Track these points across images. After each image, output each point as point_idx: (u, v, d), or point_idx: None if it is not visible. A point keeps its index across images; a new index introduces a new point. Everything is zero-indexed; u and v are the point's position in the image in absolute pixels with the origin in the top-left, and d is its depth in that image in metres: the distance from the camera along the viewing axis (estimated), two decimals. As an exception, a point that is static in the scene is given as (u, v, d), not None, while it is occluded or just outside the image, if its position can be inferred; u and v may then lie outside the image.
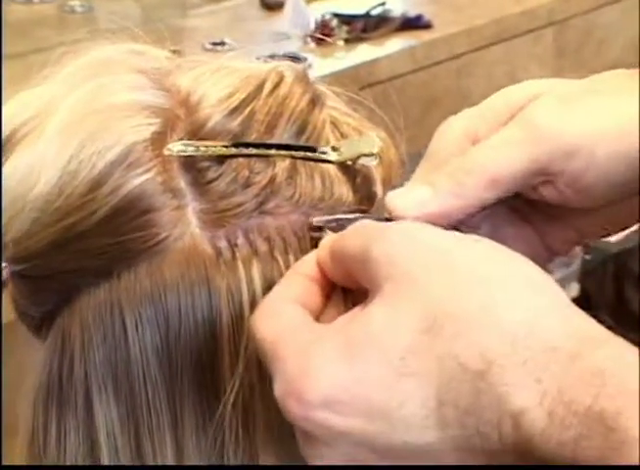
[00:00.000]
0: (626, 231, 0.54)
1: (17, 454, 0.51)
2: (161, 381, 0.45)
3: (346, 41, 1.83)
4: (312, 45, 1.81)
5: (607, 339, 0.37)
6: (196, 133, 0.47)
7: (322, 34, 1.81)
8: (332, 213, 0.47)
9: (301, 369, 0.39)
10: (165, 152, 0.46)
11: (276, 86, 0.49)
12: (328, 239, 0.45)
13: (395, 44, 1.86)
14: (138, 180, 0.45)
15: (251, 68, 0.51)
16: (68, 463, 0.47)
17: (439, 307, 0.38)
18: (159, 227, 0.45)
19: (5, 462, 0.50)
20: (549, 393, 0.36)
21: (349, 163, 0.48)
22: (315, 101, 0.50)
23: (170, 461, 0.46)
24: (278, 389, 0.39)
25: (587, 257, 1.81)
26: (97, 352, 0.46)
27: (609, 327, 0.38)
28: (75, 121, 0.46)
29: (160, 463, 0.46)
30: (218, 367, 0.45)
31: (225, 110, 0.47)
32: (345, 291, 0.44)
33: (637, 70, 0.48)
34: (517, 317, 0.38)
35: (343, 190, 0.49)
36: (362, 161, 0.48)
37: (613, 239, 1.78)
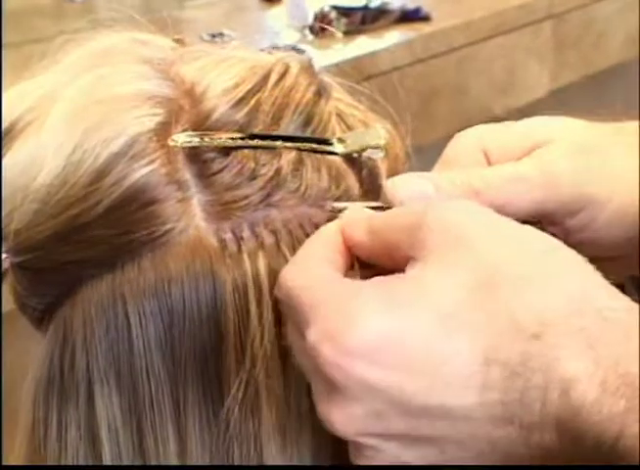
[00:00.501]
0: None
1: (16, 446, 0.50)
2: (165, 374, 0.45)
3: (345, 33, 1.82)
4: (311, 37, 1.80)
5: None
6: (201, 124, 0.46)
7: (320, 26, 1.80)
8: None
9: (343, 315, 0.38)
10: (170, 143, 0.45)
11: (282, 77, 0.49)
12: (361, 213, 0.44)
13: (394, 36, 1.85)
14: (142, 171, 0.44)
15: (256, 58, 0.50)
16: (69, 457, 0.47)
17: (495, 268, 0.38)
18: (163, 219, 0.45)
19: (4, 451, 0.50)
20: (603, 362, 0.35)
21: (355, 155, 0.48)
22: (321, 92, 0.49)
23: (173, 455, 0.45)
24: (314, 333, 0.38)
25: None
26: (99, 345, 0.46)
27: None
28: (79, 111, 0.45)
29: (162, 457, 0.45)
30: (223, 361, 0.45)
31: (231, 101, 0.47)
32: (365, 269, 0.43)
33: None
34: (572, 286, 0.38)
35: (350, 182, 0.48)
36: (368, 153, 0.48)
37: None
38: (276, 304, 0.44)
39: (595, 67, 2.19)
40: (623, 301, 0.38)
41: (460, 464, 0.39)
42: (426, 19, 1.92)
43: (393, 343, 0.37)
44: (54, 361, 0.47)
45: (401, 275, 0.39)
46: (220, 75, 0.48)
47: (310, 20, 1.86)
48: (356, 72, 1.65)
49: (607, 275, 0.39)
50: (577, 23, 2.14)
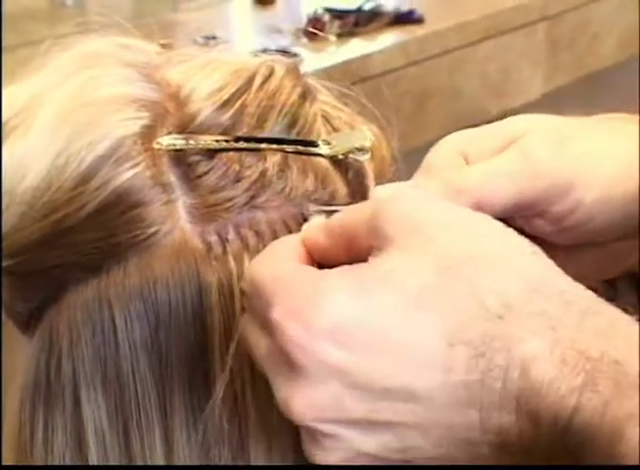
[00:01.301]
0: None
1: (3, 450, 0.50)
2: (151, 377, 0.45)
3: (338, 36, 1.82)
4: (304, 40, 1.81)
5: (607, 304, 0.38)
6: (186, 127, 0.46)
7: (314, 29, 1.80)
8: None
9: (309, 296, 0.38)
10: (155, 146, 0.45)
11: (266, 80, 0.49)
12: (317, 219, 0.45)
13: (387, 39, 1.85)
14: (127, 175, 0.44)
15: (241, 61, 0.50)
16: (55, 461, 0.47)
17: (459, 251, 0.38)
18: (148, 222, 0.45)
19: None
20: (563, 341, 0.36)
21: (341, 156, 0.48)
22: (306, 94, 0.49)
23: (159, 457, 0.45)
24: (278, 312, 0.38)
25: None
26: (85, 349, 0.45)
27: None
28: (64, 115, 0.45)
29: (149, 460, 0.45)
30: (209, 364, 0.45)
31: (215, 103, 0.47)
32: None
33: (636, 115, 0.48)
34: (534, 271, 0.38)
35: (336, 184, 0.48)
36: (354, 155, 0.48)
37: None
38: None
39: (589, 68, 2.20)
40: (582, 287, 0.39)
41: (419, 457, 0.39)
42: (419, 21, 1.92)
43: (358, 324, 0.37)
44: (40, 366, 0.47)
45: (366, 263, 0.39)
46: (205, 78, 0.48)
47: (304, 22, 1.86)
48: (349, 75, 1.65)
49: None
50: (571, 25, 2.14)
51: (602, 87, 2.26)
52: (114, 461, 0.46)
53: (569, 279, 0.39)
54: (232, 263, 0.45)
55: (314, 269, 0.40)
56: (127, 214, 0.44)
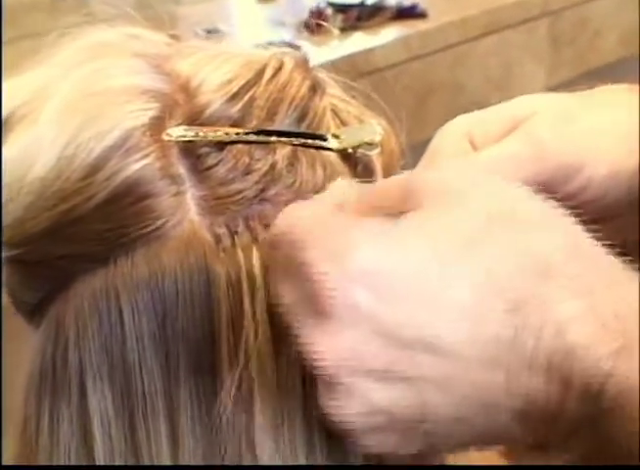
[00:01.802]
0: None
1: (10, 442, 0.50)
2: (157, 368, 0.45)
3: (341, 30, 1.82)
4: (306, 33, 1.80)
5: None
6: (195, 119, 0.46)
7: (317, 23, 1.80)
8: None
9: (344, 240, 0.38)
10: (165, 137, 0.45)
11: (276, 73, 0.49)
12: (341, 181, 0.44)
13: (390, 33, 1.85)
14: (136, 166, 0.44)
15: (251, 54, 0.50)
16: (60, 452, 0.47)
17: (494, 209, 0.38)
18: (157, 213, 0.44)
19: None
20: (600, 305, 0.36)
21: (350, 150, 0.48)
22: (316, 88, 0.49)
23: (165, 450, 0.45)
24: (312, 253, 0.38)
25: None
26: (92, 340, 0.45)
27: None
28: (73, 105, 0.45)
29: (154, 452, 0.45)
30: (216, 356, 0.45)
31: (225, 95, 0.47)
32: None
33: (636, 85, 0.48)
34: (568, 232, 0.39)
35: (345, 178, 0.48)
36: (363, 149, 0.48)
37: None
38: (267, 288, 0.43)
39: (591, 64, 2.20)
40: (610, 256, 0.39)
41: (436, 416, 0.38)
42: (422, 15, 1.92)
43: (392, 271, 0.37)
44: (46, 356, 0.47)
45: (402, 217, 0.39)
46: (215, 70, 0.48)
47: (306, 16, 1.86)
48: (352, 69, 1.65)
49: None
50: (573, 21, 2.14)
51: (603, 83, 2.26)
52: (119, 452, 0.46)
53: (599, 246, 0.39)
54: (240, 256, 0.45)
55: (349, 215, 0.40)
56: (136, 206, 0.44)
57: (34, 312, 0.49)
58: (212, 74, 0.47)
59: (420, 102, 1.81)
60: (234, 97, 0.47)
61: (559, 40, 2.12)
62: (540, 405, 0.37)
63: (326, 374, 0.38)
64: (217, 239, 0.45)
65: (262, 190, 0.46)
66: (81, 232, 0.45)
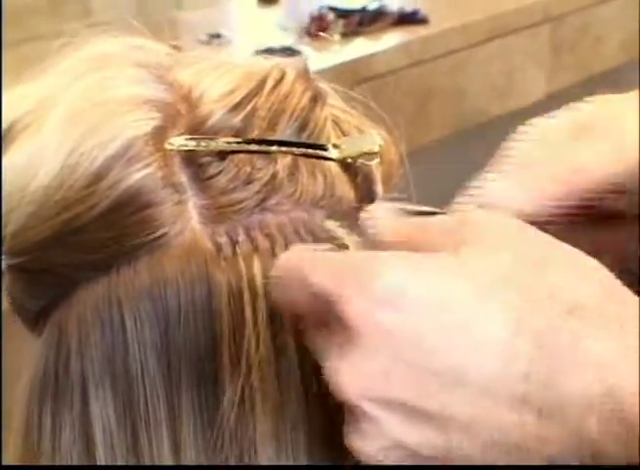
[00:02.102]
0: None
1: (10, 447, 0.50)
2: (160, 377, 0.45)
3: (342, 35, 1.83)
4: (308, 39, 1.81)
5: None
6: (197, 129, 0.47)
7: (318, 28, 1.80)
8: (333, 212, 0.47)
9: (369, 266, 0.38)
10: (167, 146, 0.46)
11: (278, 83, 0.49)
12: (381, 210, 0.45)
13: (391, 39, 1.86)
14: (138, 175, 0.44)
15: (252, 64, 0.50)
16: (62, 459, 0.47)
17: (533, 253, 0.39)
18: (159, 222, 0.45)
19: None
20: (634, 346, 0.35)
21: (350, 160, 0.48)
22: (317, 98, 0.50)
23: (167, 458, 0.46)
24: (338, 285, 0.38)
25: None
26: (94, 348, 0.46)
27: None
28: (76, 114, 0.45)
29: (156, 460, 0.46)
30: (218, 366, 0.45)
31: (227, 106, 0.47)
32: None
33: None
34: (604, 277, 0.39)
35: (345, 188, 0.48)
36: (363, 159, 0.48)
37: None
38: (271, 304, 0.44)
39: (592, 70, 2.20)
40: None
41: (463, 461, 0.37)
42: (423, 21, 1.93)
43: (423, 295, 0.37)
44: (48, 364, 0.47)
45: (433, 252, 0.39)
46: (217, 81, 0.48)
47: (307, 21, 1.86)
48: (353, 75, 1.66)
49: None
50: (574, 27, 2.15)
51: (604, 89, 2.26)
52: (121, 460, 0.46)
53: (630, 293, 0.39)
54: (242, 265, 0.45)
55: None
56: (138, 214, 0.45)
57: (37, 320, 0.49)
58: (214, 85, 0.48)
59: (421, 107, 1.81)
60: (236, 107, 0.47)
61: (560, 46, 2.12)
62: (576, 453, 0.36)
63: (350, 404, 0.38)
64: (218, 248, 0.45)
65: (263, 199, 0.46)
66: (84, 241, 0.45)
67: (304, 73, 0.51)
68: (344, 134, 0.50)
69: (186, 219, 0.45)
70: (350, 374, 0.37)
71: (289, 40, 1.80)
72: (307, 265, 0.40)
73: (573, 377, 0.35)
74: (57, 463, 0.47)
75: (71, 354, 0.46)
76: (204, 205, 0.46)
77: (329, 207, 0.47)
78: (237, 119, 0.47)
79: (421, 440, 0.38)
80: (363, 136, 0.49)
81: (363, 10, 1.92)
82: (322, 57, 1.72)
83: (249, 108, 0.47)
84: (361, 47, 1.80)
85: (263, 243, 0.46)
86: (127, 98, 0.46)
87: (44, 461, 0.48)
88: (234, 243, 0.45)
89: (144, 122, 0.45)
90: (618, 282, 0.39)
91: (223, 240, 0.45)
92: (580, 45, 2.15)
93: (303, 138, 0.48)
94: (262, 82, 0.49)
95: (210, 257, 0.45)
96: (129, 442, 0.46)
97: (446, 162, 1.53)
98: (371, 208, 0.45)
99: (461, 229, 0.40)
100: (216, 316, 0.45)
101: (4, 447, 0.49)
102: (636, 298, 0.38)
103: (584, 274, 0.38)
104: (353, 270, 0.38)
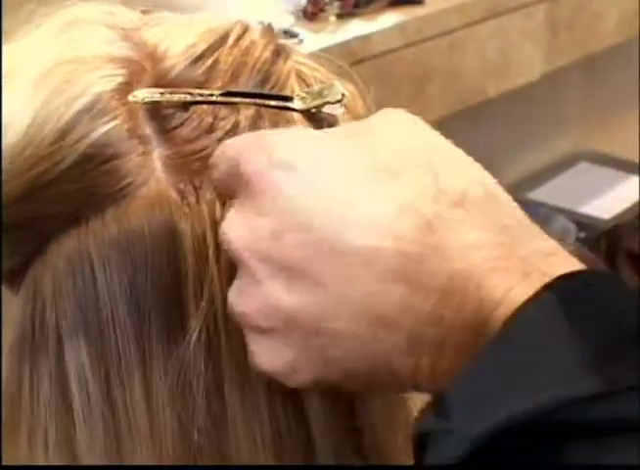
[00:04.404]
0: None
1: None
2: (130, 324, 0.46)
3: (338, 16, 1.82)
4: (304, 20, 1.81)
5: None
6: (160, 82, 0.48)
7: (314, 9, 1.80)
8: None
9: (272, 138, 0.42)
10: (130, 98, 0.47)
11: (240, 37, 0.50)
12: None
13: (387, 20, 1.85)
14: (105, 128, 0.46)
15: (216, 21, 0.51)
16: (41, 411, 0.48)
17: (417, 140, 0.42)
18: (124, 173, 0.46)
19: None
20: (508, 244, 0.38)
21: (314, 110, 0.49)
22: (279, 52, 0.51)
23: (140, 403, 0.47)
24: (240, 151, 0.42)
25: (581, 234, 1.84)
26: (67, 299, 0.47)
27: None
28: (45, 74, 0.47)
29: (129, 405, 0.47)
30: (184, 309, 0.46)
31: (189, 58, 0.48)
32: None
33: None
34: (487, 178, 0.42)
35: None
36: (327, 109, 0.49)
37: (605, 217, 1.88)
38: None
39: (589, 49, 2.19)
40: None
41: (334, 331, 0.39)
42: (419, 2, 1.92)
43: (321, 159, 0.40)
44: (25, 318, 0.48)
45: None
46: (181, 37, 0.49)
47: (303, 2, 1.86)
48: (349, 56, 1.65)
49: None
50: (571, 5, 2.14)
51: (602, 67, 2.26)
52: (96, 406, 0.47)
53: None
54: (205, 211, 0.46)
55: None
56: (105, 166, 0.46)
57: (15, 278, 0.50)
58: (178, 41, 0.49)
59: (417, 89, 1.81)
60: (197, 60, 0.48)
61: (557, 25, 2.11)
62: (432, 330, 0.38)
63: (235, 256, 0.41)
64: (182, 195, 0.46)
65: None
66: (53, 194, 0.47)
67: (267, 29, 0.52)
68: (309, 87, 0.51)
69: (150, 169, 0.47)
70: (241, 227, 0.41)
71: (285, 22, 1.79)
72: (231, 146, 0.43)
73: (443, 256, 0.38)
74: (36, 414, 0.48)
75: (46, 307, 0.47)
76: (168, 155, 0.47)
77: None
78: (199, 72, 0.48)
79: (296, 304, 0.40)
80: (327, 86, 0.50)
81: (359, -9, 1.91)
82: (318, 38, 1.72)
83: (210, 60, 0.48)
84: (357, 28, 1.79)
85: None
86: (94, 56, 0.48)
87: (24, 417, 0.49)
88: (197, 190, 0.46)
89: (110, 78, 0.47)
90: (498, 186, 0.41)
91: (187, 188, 0.47)
92: (577, 24, 2.14)
93: (266, 90, 0.49)
94: (225, 36, 0.50)
95: (175, 205, 0.46)
96: (103, 388, 0.47)
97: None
98: None
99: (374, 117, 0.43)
100: (181, 261, 0.46)
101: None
102: (515, 206, 0.40)
103: (468, 170, 0.41)
104: (258, 137, 0.42)
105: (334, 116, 0.49)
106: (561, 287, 0.36)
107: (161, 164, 0.47)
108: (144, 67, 0.48)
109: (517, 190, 1.88)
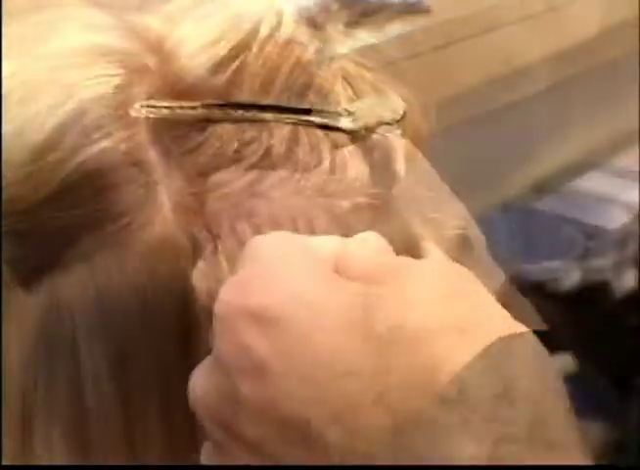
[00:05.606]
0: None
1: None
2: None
3: (345, 25, 1.81)
4: (312, 29, 1.79)
5: None
6: (171, 90, 0.38)
7: (322, 19, 1.79)
8: (343, 198, 0.39)
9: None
10: (132, 112, 0.37)
11: (274, 30, 0.41)
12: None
13: (394, 29, 1.83)
14: (95, 148, 0.37)
15: (242, 5, 0.41)
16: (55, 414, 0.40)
17: None
18: (120, 210, 0.37)
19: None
20: None
21: (365, 131, 0.40)
22: (323, 48, 0.43)
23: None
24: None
25: (590, 244, 1.84)
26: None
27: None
28: (14, 71, 0.38)
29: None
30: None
31: (209, 61, 0.39)
32: None
33: None
34: None
35: (357, 167, 0.40)
36: (382, 129, 0.40)
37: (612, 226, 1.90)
38: None
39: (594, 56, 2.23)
40: None
41: None
42: (426, 11, 1.90)
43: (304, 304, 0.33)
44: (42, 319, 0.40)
45: None
46: (196, 27, 0.40)
47: (311, 11, 1.84)
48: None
49: None
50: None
51: (603, 75, 2.29)
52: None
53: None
54: (224, 267, 0.37)
55: None
56: (94, 199, 0.37)
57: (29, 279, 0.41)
58: (193, 32, 0.39)
59: (424, 98, 1.81)
60: (220, 63, 0.39)
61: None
62: None
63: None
64: (196, 245, 0.38)
65: (253, 182, 0.38)
66: (29, 231, 0.38)
67: (309, 17, 0.43)
68: (358, 95, 0.42)
69: (155, 207, 0.38)
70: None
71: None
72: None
73: None
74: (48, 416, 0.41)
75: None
76: (178, 188, 0.38)
77: (338, 193, 0.39)
78: (221, 78, 0.39)
79: None
80: (381, 99, 0.41)
81: (366, 0, 1.90)
82: (325, 47, 1.70)
83: (236, 63, 0.39)
84: (364, 37, 1.77)
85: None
86: (80, 48, 0.39)
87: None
88: (215, 238, 0.37)
89: (102, 80, 0.38)
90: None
91: (202, 234, 0.37)
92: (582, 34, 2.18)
93: (306, 102, 0.40)
94: (255, 29, 0.40)
95: (185, 256, 0.37)
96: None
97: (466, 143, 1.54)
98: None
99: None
100: (192, 330, 0.38)
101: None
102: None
103: None
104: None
105: (388, 137, 0.40)
106: None
107: (169, 201, 0.38)
108: (147, 64, 0.39)
109: (525, 199, 1.90)
